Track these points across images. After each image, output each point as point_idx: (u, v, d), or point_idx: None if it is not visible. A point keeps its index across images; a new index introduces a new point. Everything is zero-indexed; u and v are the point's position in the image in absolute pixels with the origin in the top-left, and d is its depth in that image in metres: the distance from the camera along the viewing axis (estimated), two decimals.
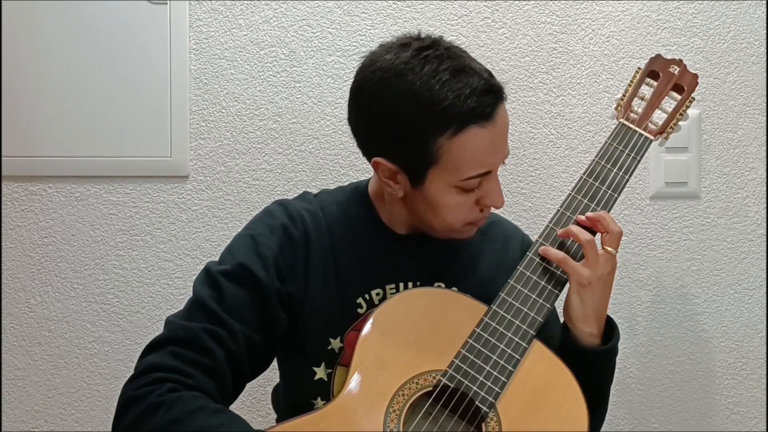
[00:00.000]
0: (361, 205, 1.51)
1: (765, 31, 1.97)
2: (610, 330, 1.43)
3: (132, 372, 1.33)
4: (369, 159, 1.41)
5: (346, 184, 1.58)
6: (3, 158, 1.86)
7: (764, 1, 1.97)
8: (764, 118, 1.99)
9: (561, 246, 1.41)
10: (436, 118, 1.31)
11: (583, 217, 1.41)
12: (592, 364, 1.40)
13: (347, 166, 1.92)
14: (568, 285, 1.40)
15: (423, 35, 1.39)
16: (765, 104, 1.98)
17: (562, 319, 1.46)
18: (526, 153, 1.97)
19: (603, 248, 1.39)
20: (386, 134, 1.37)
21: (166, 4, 1.88)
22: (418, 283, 1.46)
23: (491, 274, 1.50)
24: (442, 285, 1.47)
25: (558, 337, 1.46)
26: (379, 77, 1.35)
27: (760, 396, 2.01)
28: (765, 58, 1.98)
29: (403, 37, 1.40)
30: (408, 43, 1.36)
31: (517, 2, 1.95)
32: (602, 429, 1.67)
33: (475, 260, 1.52)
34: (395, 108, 1.33)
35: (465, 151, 1.33)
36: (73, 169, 1.89)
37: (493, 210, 1.45)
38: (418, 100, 1.31)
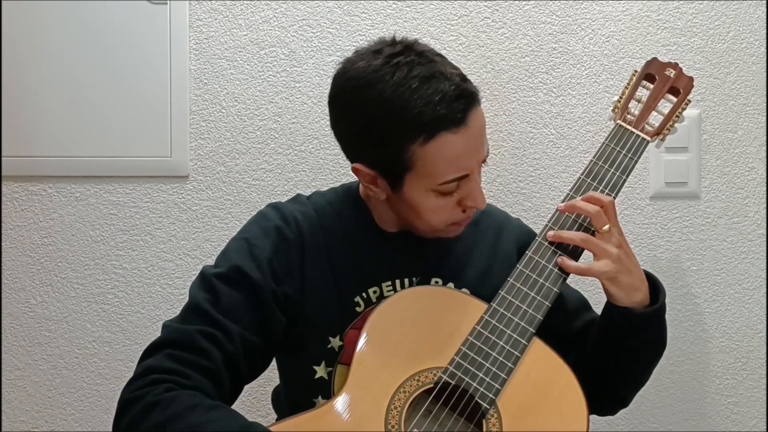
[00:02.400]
0: (354, 205, 1.52)
1: (765, 31, 1.97)
2: (653, 285, 1.44)
3: (131, 375, 1.33)
4: (351, 163, 1.43)
5: (339, 185, 1.59)
6: (3, 158, 1.87)
7: (764, 1, 1.97)
8: (764, 118, 1.99)
9: (563, 248, 1.42)
10: (407, 126, 1.32)
11: (561, 205, 1.43)
12: (648, 326, 1.43)
13: (347, 166, 1.89)
14: (568, 280, 1.41)
15: (398, 39, 1.39)
16: (765, 104, 1.98)
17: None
18: (526, 153, 1.97)
19: (597, 232, 1.40)
20: (362, 141, 1.39)
21: (166, 4, 1.89)
22: (414, 280, 1.47)
23: (486, 265, 1.52)
24: (439, 280, 1.48)
25: (575, 299, 1.54)
26: (352, 86, 1.36)
27: (760, 396, 2.00)
28: (765, 58, 1.98)
29: (377, 42, 1.40)
30: (380, 50, 1.37)
31: (517, 2, 1.95)
32: (602, 429, 1.67)
33: (469, 253, 1.53)
34: (368, 116, 1.35)
35: (438, 157, 1.34)
36: (73, 169, 1.89)
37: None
38: (388, 109, 1.32)
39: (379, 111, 1.33)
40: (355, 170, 1.41)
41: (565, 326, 1.47)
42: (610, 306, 1.42)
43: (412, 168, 1.34)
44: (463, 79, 1.36)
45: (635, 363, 1.47)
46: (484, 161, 1.41)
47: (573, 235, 1.40)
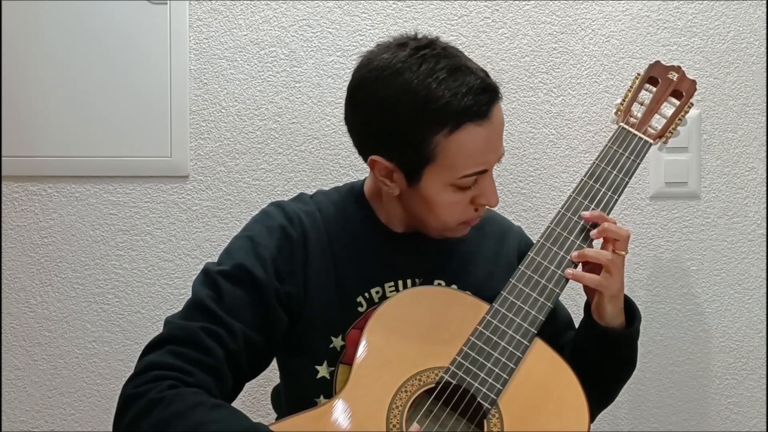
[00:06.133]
0: (358, 204, 1.52)
1: (765, 31, 1.98)
2: (629, 309, 1.47)
3: (131, 372, 1.33)
4: (365, 158, 1.43)
5: (342, 184, 1.59)
6: (3, 158, 1.86)
7: (764, 1, 1.97)
8: (764, 118, 1.99)
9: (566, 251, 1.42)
10: (433, 116, 1.32)
11: (587, 214, 1.43)
12: (625, 346, 1.46)
13: (347, 166, 1.92)
14: (567, 286, 1.42)
15: (420, 35, 1.41)
16: (765, 104, 1.98)
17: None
18: (526, 153, 1.97)
19: (615, 252, 1.41)
20: (383, 132, 1.38)
21: (166, 4, 1.88)
22: (417, 281, 1.47)
23: (489, 270, 1.52)
24: (442, 282, 1.48)
25: (564, 316, 1.55)
26: (377, 76, 1.36)
27: (760, 396, 2.01)
28: (765, 58, 1.98)
29: (401, 36, 1.41)
30: (405, 43, 1.38)
31: (517, 2, 1.95)
32: (603, 429, 1.67)
33: (473, 256, 1.53)
34: (392, 106, 1.34)
35: (461, 149, 1.34)
36: (73, 169, 1.89)
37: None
38: (415, 99, 1.33)
39: (405, 101, 1.33)
40: (371, 163, 1.41)
41: (552, 340, 1.47)
42: (593, 324, 1.44)
43: (434, 160, 1.35)
44: (487, 74, 1.38)
45: (608, 379, 1.50)
46: (499, 160, 1.41)
47: (599, 255, 1.40)
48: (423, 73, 1.33)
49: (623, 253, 1.41)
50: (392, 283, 1.46)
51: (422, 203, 1.41)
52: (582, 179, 1.47)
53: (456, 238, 1.48)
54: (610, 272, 1.40)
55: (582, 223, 1.43)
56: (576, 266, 1.42)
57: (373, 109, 1.37)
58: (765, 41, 1.98)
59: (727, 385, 2.01)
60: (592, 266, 1.42)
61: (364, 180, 1.54)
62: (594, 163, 1.48)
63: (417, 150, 1.35)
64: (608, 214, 1.45)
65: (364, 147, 1.43)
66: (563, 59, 1.97)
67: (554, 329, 1.50)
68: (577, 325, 1.54)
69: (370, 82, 1.37)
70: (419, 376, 1.33)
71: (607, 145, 1.50)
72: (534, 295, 1.38)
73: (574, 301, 1.76)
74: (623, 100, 1.55)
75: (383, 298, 1.45)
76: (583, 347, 1.46)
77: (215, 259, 1.46)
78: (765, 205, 1.99)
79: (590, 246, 1.43)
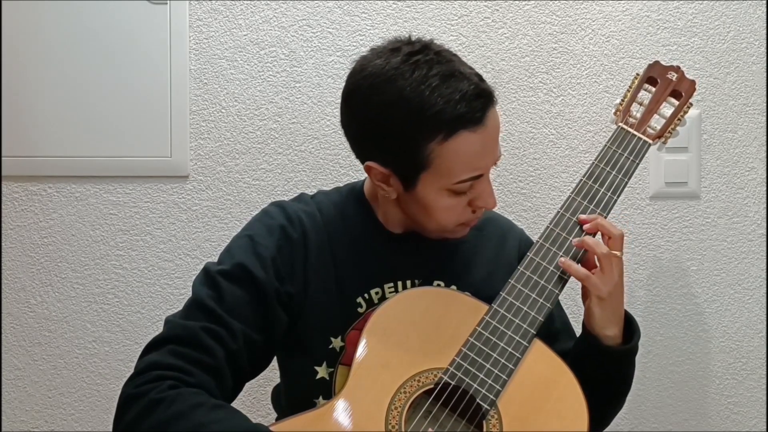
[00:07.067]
0: (358, 205, 1.52)
1: (765, 31, 1.97)
2: (629, 326, 1.45)
3: (132, 371, 1.33)
4: (362, 161, 1.42)
5: (343, 184, 1.59)
6: (3, 158, 1.86)
7: (764, 1, 1.97)
8: (764, 118, 1.99)
9: (565, 251, 1.42)
10: (427, 124, 1.32)
11: (583, 216, 1.42)
12: (615, 363, 1.43)
13: (347, 166, 1.92)
14: (566, 286, 1.41)
15: (413, 39, 1.40)
16: (765, 104, 1.98)
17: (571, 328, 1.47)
18: (526, 153, 1.97)
19: (611, 253, 1.40)
20: (378, 139, 1.38)
21: (166, 4, 1.88)
22: (417, 282, 1.47)
23: (489, 271, 1.52)
24: (442, 283, 1.48)
25: (559, 320, 1.54)
26: (370, 83, 1.35)
27: (760, 396, 2.01)
28: (765, 58, 1.98)
29: (394, 40, 1.40)
30: (398, 48, 1.37)
31: (517, 2, 1.95)
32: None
33: (473, 257, 1.53)
34: (386, 114, 1.34)
35: (456, 155, 1.34)
36: (73, 169, 1.89)
37: None
38: (408, 107, 1.32)
39: (398, 108, 1.32)
40: (367, 169, 1.41)
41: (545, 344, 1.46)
42: (585, 334, 1.44)
43: (429, 166, 1.35)
44: (481, 79, 1.37)
45: (598, 397, 1.41)
46: (495, 163, 1.41)
47: (596, 246, 1.40)
48: (416, 81, 1.32)
49: (618, 253, 1.40)
50: (392, 284, 1.46)
51: (419, 207, 1.41)
52: (581, 180, 1.47)
53: (456, 239, 1.48)
54: (602, 268, 1.39)
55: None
56: (577, 257, 1.42)
57: (367, 116, 1.37)
58: (765, 41, 1.98)
59: (727, 385, 2.01)
60: (588, 266, 1.42)
61: (365, 180, 1.54)
62: (593, 163, 1.48)
63: (411, 157, 1.35)
64: (607, 214, 1.45)
65: (360, 152, 1.43)
66: (563, 59, 1.97)
67: (546, 333, 1.47)
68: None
69: (363, 90, 1.37)
70: (418, 377, 1.33)
71: (606, 145, 1.50)
72: (533, 295, 1.38)
73: (574, 301, 1.76)
74: (622, 100, 1.55)
75: (383, 298, 1.45)
76: (576, 358, 1.44)
77: (215, 259, 1.46)
78: (765, 205, 1.99)
79: None
